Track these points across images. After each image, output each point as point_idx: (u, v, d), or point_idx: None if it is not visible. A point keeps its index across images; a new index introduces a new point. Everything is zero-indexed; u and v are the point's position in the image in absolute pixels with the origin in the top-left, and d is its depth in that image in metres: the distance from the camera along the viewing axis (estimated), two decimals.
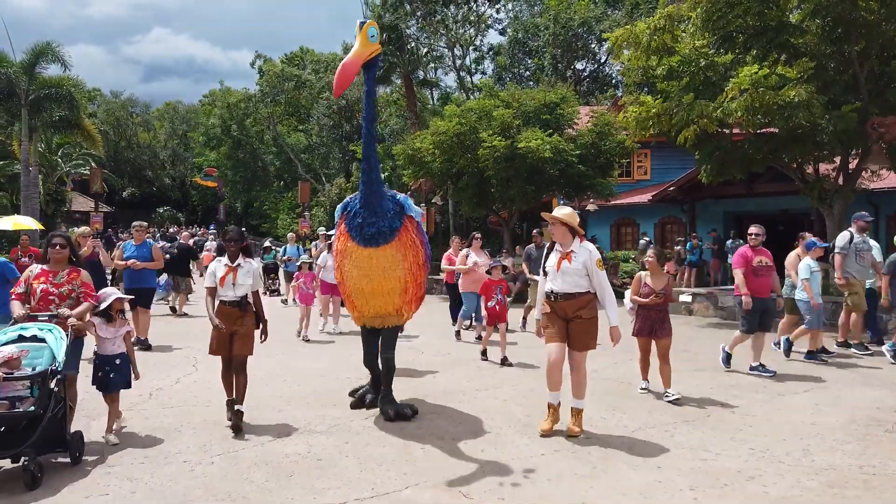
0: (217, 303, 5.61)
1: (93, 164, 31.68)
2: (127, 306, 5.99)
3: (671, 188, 19.56)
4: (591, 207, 22.49)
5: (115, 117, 57.30)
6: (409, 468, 4.60)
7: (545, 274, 5.36)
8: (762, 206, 18.97)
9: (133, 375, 5.35)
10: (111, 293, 5.40)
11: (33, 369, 4.53)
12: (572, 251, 5.22)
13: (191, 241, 17.62)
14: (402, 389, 6.42)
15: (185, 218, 58.76)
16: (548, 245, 5.48)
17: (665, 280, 6.40)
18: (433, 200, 20.63)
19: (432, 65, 37.21)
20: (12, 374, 4.47)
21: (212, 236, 27.61)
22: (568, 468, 4.59)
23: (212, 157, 49.95)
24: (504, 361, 8.09)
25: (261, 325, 5.75)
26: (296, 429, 5.49)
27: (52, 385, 4.51)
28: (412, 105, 33.30)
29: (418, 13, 33.73)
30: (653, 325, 6.36)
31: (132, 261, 9.05)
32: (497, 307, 8.24)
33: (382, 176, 5.71)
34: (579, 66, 35.46)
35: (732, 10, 11.63)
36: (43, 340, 4.74)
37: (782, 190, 16.37)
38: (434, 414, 5.97)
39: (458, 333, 10.28)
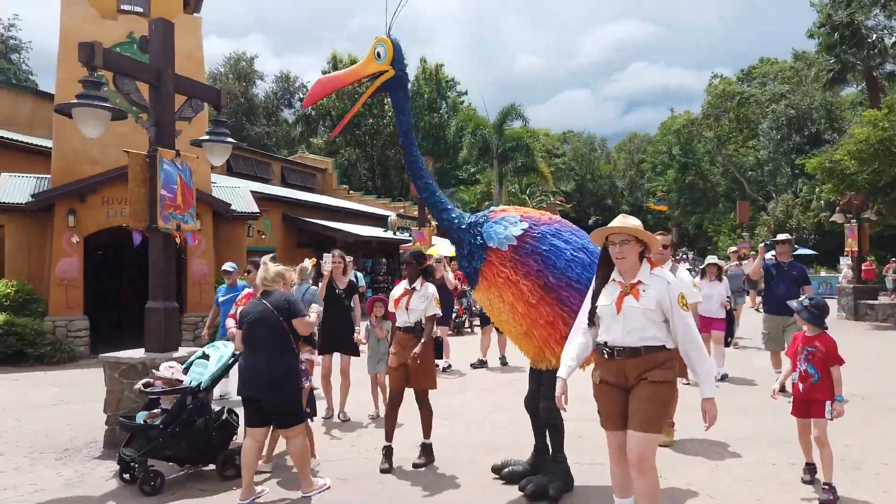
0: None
1: (550, 199, 37.15)
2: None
3: None
4: None
5: (580, 154, 64.80)
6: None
7: (591, 321, 3.65)
8: None
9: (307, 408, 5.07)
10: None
11: (191, 384, 5.02)
12: (640, 282, 3.51)
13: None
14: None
15: None
16: (595, 276, 3.76)
17: None
18: (864, 215, 18.11)
19: None
20: (155, 388, 5.04)
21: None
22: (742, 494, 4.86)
23: (662, 183, 52.06)
24: (811, 475, 4.83)
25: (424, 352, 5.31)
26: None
27: (188, 402, 4.90)
28: (875, 104, 29.09)
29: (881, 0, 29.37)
30: None
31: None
32: (801, 384, 4.62)
33: (449, 205, 4.84)
34: None
35: None
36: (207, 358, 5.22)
37: None
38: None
39: None
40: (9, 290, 11.31)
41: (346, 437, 6.27)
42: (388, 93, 4.81)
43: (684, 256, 30.30)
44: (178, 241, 6.30)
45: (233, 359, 5.17)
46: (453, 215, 4.70)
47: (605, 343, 3.53)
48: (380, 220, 24.62)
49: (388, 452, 5.29)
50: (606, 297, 3.55)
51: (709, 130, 40.62)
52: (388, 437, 5.31)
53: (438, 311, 5.54)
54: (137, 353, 6.09)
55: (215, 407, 5.35)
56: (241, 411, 5.02)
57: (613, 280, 3.58)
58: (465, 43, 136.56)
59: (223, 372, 5.19)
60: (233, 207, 13.82)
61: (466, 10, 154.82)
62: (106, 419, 5.94)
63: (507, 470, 4.96)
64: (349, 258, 8.29)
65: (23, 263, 12.31)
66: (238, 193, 15.35)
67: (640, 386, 3.44)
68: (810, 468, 4.81)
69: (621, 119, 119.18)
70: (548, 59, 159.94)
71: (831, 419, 4.49)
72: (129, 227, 6.24)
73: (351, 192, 31.28)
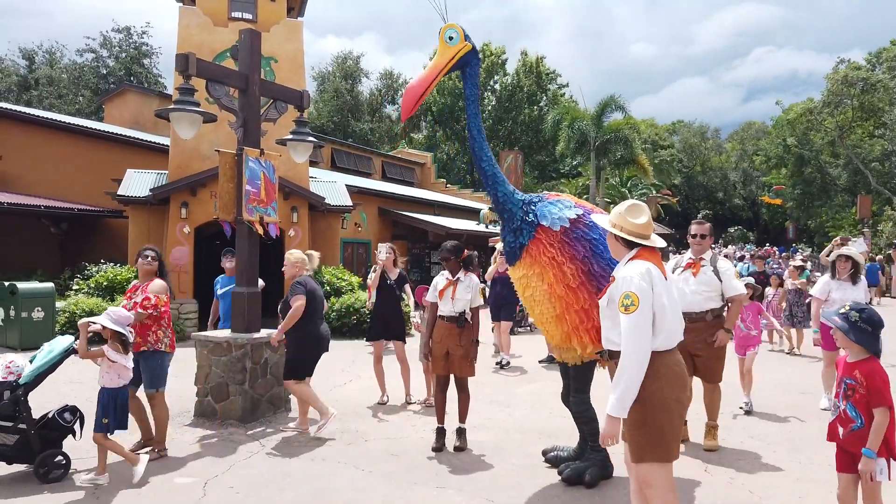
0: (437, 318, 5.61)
1: (652, 192, 36.10)
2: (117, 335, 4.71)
3: None
4: None
5: (688, 144, 62.24)
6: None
7: None
8: None
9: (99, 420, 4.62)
10: (104, 316, 4.70)
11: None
12: (613, 278, 3.32)
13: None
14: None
15: (756, 237, 59.00)
16: None
17: None
18: None
19: None
20: None
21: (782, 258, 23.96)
22: None
23: (775, 176, 49.09)
24: None
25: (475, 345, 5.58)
26: None
27: (4, 398, 4.59)
28: None
29: None
30: None
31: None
32: (840, 427, 3.35)
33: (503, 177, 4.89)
34: None
35: None
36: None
37: None
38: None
39: None
40: (130, 276, 12.59)
41: (407, 419, 6.65)
42: (463, 69, 5.04)
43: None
44: (259, 231, 6.89)
45: (64, 353, 4.82)
46: (509, 189, 4.81)
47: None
48: (473, 214, 24.94)
49: (440, 433, 5.62)
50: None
51: (829, 119, 37.76)
52: (440, 419, 5.66)
53: (482, 301, 5.79)
54: (223, 333, 6.76)
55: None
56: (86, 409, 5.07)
57: None
58: (575, 33, 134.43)
59: (50, 368, 4.81)
60: (328, 201, 14.59)
61: None
62: (196, 391, 6.64)
63: (552, 454, 5.17)
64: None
65: None
66: (334, 188, 16.17)
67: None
68: None
69: (741, 107, 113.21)
70: (663, 47, 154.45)
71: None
72: (219, 219, 6.92)
73: (448, 185, 31.86)
